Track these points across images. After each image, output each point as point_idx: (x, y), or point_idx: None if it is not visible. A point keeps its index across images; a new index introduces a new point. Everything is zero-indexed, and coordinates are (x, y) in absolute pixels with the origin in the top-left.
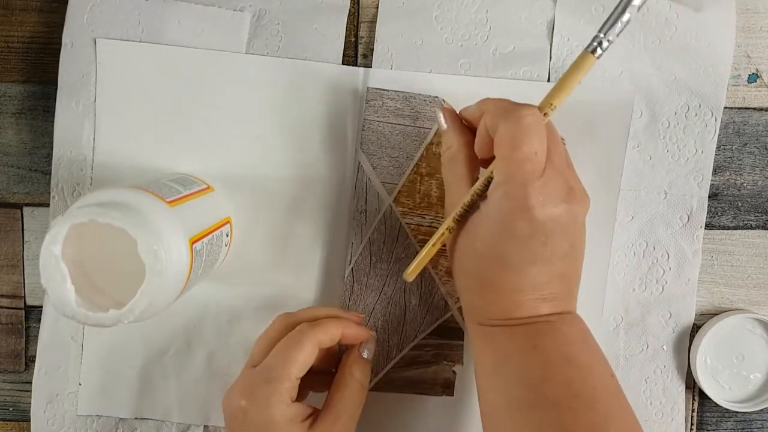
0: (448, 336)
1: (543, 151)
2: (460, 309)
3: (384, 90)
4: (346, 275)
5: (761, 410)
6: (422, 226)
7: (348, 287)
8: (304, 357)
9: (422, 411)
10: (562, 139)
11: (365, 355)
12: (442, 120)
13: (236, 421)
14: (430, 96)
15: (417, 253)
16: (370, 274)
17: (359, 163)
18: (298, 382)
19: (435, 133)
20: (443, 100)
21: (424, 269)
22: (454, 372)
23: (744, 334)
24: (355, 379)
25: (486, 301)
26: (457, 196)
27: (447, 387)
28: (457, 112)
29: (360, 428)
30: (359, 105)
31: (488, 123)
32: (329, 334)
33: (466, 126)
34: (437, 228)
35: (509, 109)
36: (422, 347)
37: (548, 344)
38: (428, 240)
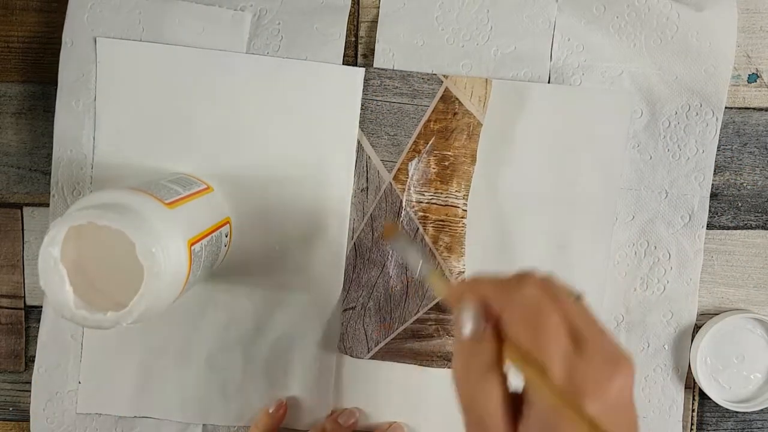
0: (450, 311)
1: (564, 330)
2: None
3: (382, 69)
4: (348, 250)
5: (761, 410)
6: (421, 202)
7: (351, 262)
8: None
9: (424, 381)
10: (576, 292)
11: None
12: (475, 320)
13: None
14: (427, 74)
15: (418, 230)
16: (372, 250)
17: (359, 142)
18: None
19: (432, 111)
20: (444, 77)
21: (424, 245)
22: None
23: (744, 334)
24: None
25: None
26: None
27: (449, 360)
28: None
29: (363, 396)
30: (359, 104)
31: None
32: None
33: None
34: (436, 204)
35: (505, 290)
36: (424, 321)
37: None
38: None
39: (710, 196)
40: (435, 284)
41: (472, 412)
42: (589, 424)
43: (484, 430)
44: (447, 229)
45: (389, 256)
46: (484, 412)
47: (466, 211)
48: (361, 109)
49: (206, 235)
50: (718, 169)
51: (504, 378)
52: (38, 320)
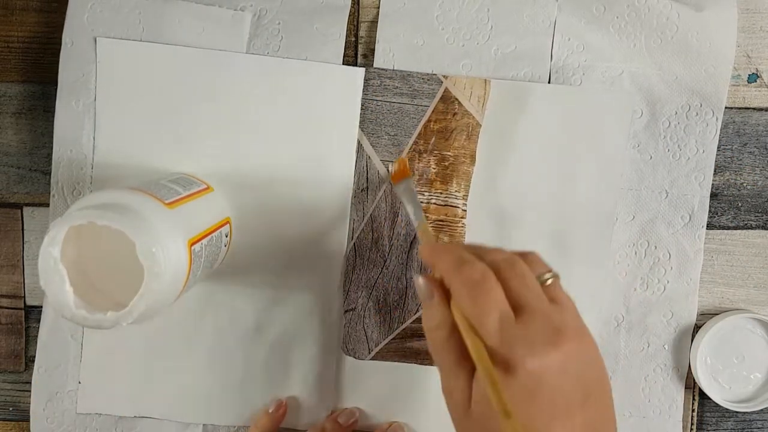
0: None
1: (503, 298)
2: None
3: (382, 69)
4: (348, 251)
5: (761, 410)
6: (421, 202)
7: (351, 262)
8: None
9: (425, 381)
10: (551, 272)
11: None
12: (424, 291)
13: None
14: (428, 74)
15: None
16: (372, 250)
17: (359, 142)
18: None
19: (432, 111)
20: (444, 77)
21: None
22: None
23: (744, 334)
24: None
25: None
26: (460, 379)
27: None
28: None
29: (363, 395)
30: (359, 104)
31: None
32: None
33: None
34: (436, 204)
35: (457, 264)
36: None
37: None
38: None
39: (710, 196)
40: (420, 238)
41: (435, 358)
42: (497, 398)
43: (446, 377)
44: (446, 230)
45: (389, 256)
46: (440, 358)
47: (465, 211)
48: (361, 109)
49: (206, 235)
50: (718, 169)
51: (454, 334)
52: (38, 320)
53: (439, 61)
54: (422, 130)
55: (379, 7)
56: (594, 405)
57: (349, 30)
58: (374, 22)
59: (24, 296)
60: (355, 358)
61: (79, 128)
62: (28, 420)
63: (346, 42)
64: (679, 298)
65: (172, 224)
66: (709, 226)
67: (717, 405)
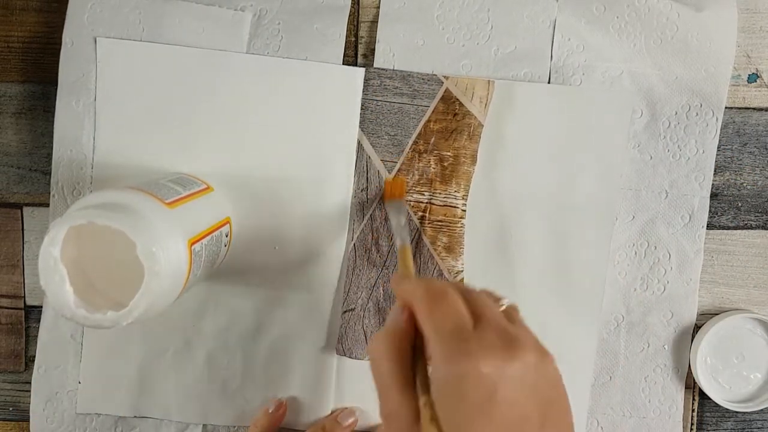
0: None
1: (463, 307)
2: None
3: (383, 69)
4: (347, 251)
5: (761, 410)
6: (421, 202)
7: (350, 262)
8: None
9: None
10: (508, 300)
11: None
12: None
13: None
14: (428, 74)
15: (418, 230)
16: (371, 250)
17: (359, 142)
18: None
19: (433, 111)
20: (444, 77)
21: (423, 245)
22: None
23: (744, 334)
24: None
25: None
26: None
27: None
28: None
29: (362, 395)
30: (359, 104)
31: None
32: None
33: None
34: (435, 205)
35: (422, 282)
36: None
37: None
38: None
39: (710, 196)
40: (399, 264)
41: (378, 380)
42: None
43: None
44: (445, 230)
45: (388, 256)
46: (385, 381)
47: (465, 211)
48: (361, 109)
49: (206, 235)
50: (718, 169)
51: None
52: (38, 320)
53: (439, 61)
54: (422, 130)
55: (379, 7)
56: (551, 427)
57: (349, 30)
58: (374, 22)
59: (24, 296)
60: (350, 358)
61: (79, 128)
62: (28, 420)
63: (346, 42)
64: (679, 298)
65: (172, 224)
66: (709, 226)
67: (717, 405)
